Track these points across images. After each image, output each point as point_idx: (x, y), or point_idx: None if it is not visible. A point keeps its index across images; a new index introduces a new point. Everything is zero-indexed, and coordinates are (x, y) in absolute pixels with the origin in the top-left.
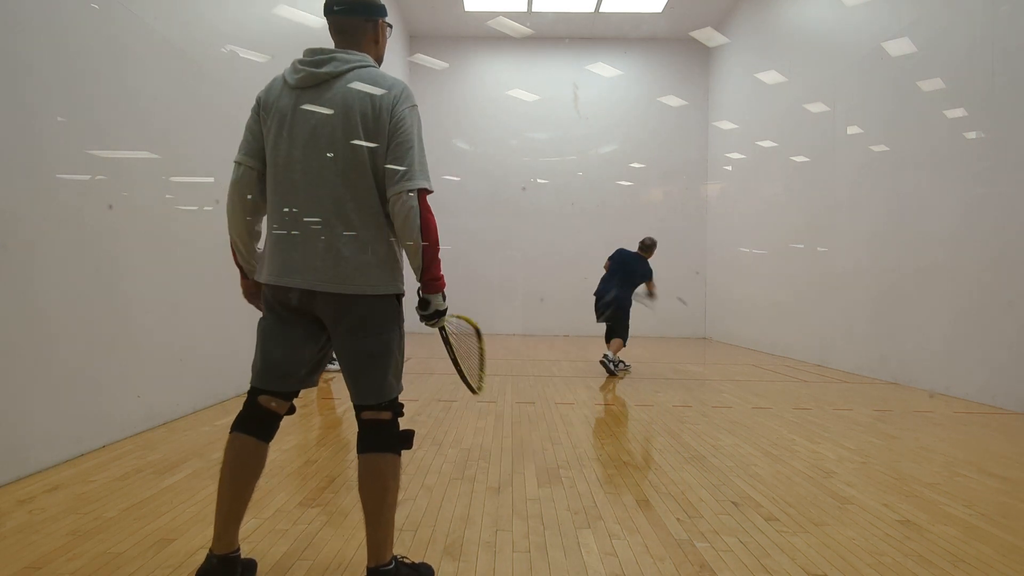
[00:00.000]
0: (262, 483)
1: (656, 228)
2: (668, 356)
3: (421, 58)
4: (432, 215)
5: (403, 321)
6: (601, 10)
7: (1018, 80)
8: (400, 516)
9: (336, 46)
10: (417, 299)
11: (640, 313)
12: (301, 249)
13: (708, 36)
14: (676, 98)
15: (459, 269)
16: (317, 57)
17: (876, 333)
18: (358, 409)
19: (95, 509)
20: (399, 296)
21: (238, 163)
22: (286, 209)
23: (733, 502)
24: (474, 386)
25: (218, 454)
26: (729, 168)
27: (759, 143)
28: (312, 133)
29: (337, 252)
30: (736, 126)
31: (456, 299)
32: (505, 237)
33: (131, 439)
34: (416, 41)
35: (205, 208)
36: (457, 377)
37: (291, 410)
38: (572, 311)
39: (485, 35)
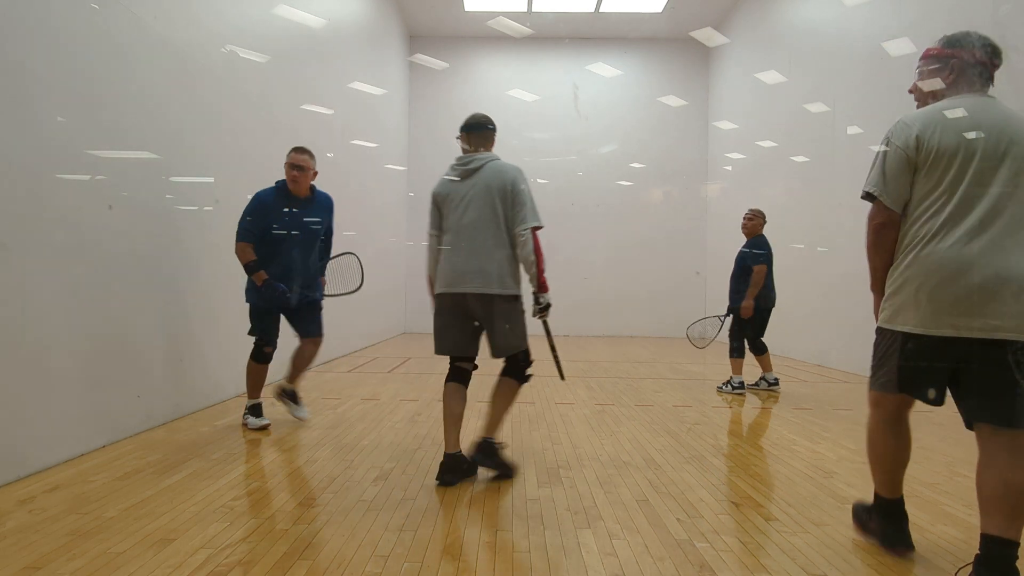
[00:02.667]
0: (262, 483)
1: (656, 228)
2: (668, 356)
3: (421, 58)
4: (539, 243)
5: (522, 308)
6: (601, 10)
7: (1018, 80)
8: (400, 516)
9: (472, 148)
10: (532, 297)
11: (641, 313)
12: (463, 269)
13: (708, 36)
14: (676, 98)
15: None
16: (466, 162)
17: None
18: (504, 356)
19: (95, 509)
20: (518, 295)
21: (432, 234)
22: (455, 254)
23: (733, 502)
24: (563, 373)
25: (218, 454)
26: (729, 168)
27: (759, 143)
28: (471, 201)
29: (482, 268)
30: (736, 126)
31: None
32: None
33: (131, 439)
34: (416, 41)
35: (205, 208)
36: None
37: (475, 367)
38: (572, 311)
39: (485, 35)
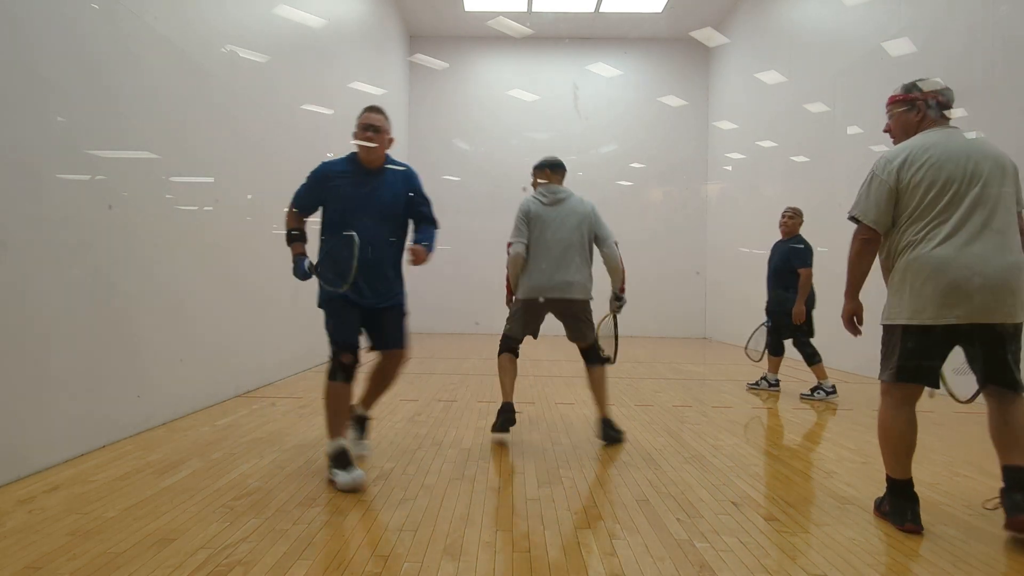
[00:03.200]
0: (262, 483)
1: (656, 228)
2: (668, 356)
3: (421, 58)
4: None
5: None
6: (601, 10)
7: (1017, 80)
8: (400, 516)
9: (554, 181)
10: (614, 296)
11: (641, 313)
12: (555, 279)
13: (708, 36)
14: (676, 98)
15: (459, 269)
16: (555, 191)
17: (876, 333)
18: (581, 348)
19: (95, 509)
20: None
21: (520, 243)
22: (544, 264)
23: (733, 502)
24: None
25: (218, 454)
26: (729, 168)
27: (759, 143)
28: (560, 224)
29: (571, 279)
30: (736, 126)
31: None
32: (505, 237)
33: (131, 439)
34: (416, 41)
35: (205, 208)
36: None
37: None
38: None
39: (485, 35)
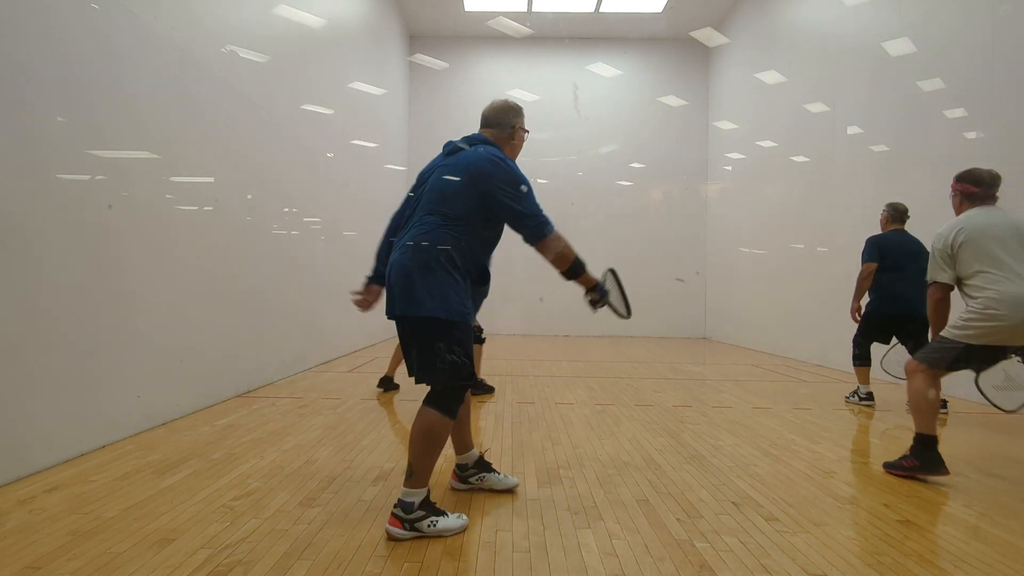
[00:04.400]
0: (262, 483)
1: (656, 228)
2: (668, 356)
3: (421, 58)
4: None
5: None
6: (601, 10)
7: (1018, 80)
8: None
9: None
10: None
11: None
12: None
13: (708, 36)
14: (676, 98)
15: None
16: None
17: None
18: None
19: (95, 509)
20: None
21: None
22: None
23: (733, 502)
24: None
25: (218, 454)
26: (729, 168)
27: (759, 143)
28: None
29: None
30: (736, 126)
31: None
32: (505, 237)
33: (131, 439)
34: (416, 41)
35: (205, 208)
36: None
37: None
38: (572, 311)
39: (485, 35)
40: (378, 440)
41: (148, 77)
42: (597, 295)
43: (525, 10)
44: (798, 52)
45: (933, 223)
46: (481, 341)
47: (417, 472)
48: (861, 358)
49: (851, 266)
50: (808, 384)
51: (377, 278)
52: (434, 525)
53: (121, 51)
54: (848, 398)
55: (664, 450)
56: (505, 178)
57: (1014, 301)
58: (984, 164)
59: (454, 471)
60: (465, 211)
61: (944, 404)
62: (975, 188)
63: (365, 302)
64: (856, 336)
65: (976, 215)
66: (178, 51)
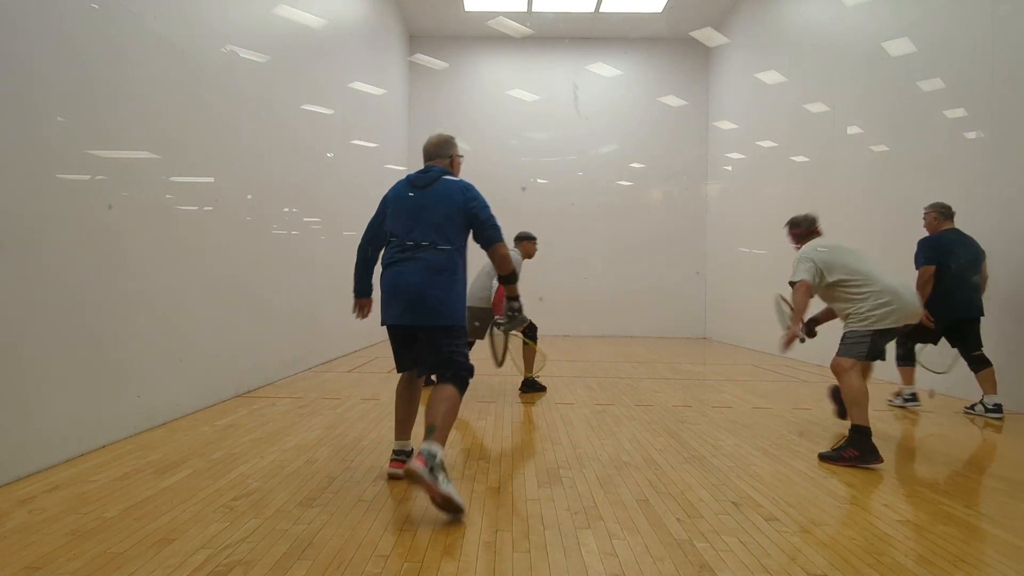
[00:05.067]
0: (262, 483)
1: (656, 228)
2: (668, 356)
3: (421, 58)
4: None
5: None
6: (601, 10)
7: (1018, 80)
8: (400, 515)
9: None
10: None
11: (641, 313)
12: None
13: (708, 36)
14: (676, 98)
15: None
16: None
17: None
18: None
19: (95, 509)
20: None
21: None
22: None
23: (733, 502)
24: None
25: (218, 454)
26: (729, 168)
27: (759, 143)
28: None
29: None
30: (736, 126)
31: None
32: (505, 237)
33: (131, 439)
34: (416, 41)
35: (205, 208)
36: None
37: None
38: (572, 311)
39: (485, 35)
40: (378, 440)
41: (148, 77)
42: (518, 304)
43: (525, 10)
44: (798, 52)
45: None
46: (533, 340)
47: (442, 432)
48: (905, 358)
49: None
50: (808, 384)
51: (366, 292)
52: (448, 484)
53: (121, 51)
54: (892, 401)
55: (664, 450)
56: (482, 199)
57: (894, 290)
58: (983, 164)
59: (396, 460)
60: (462, 237)
61: (914, 397)
62: (807, 228)
63: (363, 315)
64: (901, 337)
65: (821, 241)
66: (178, 51)
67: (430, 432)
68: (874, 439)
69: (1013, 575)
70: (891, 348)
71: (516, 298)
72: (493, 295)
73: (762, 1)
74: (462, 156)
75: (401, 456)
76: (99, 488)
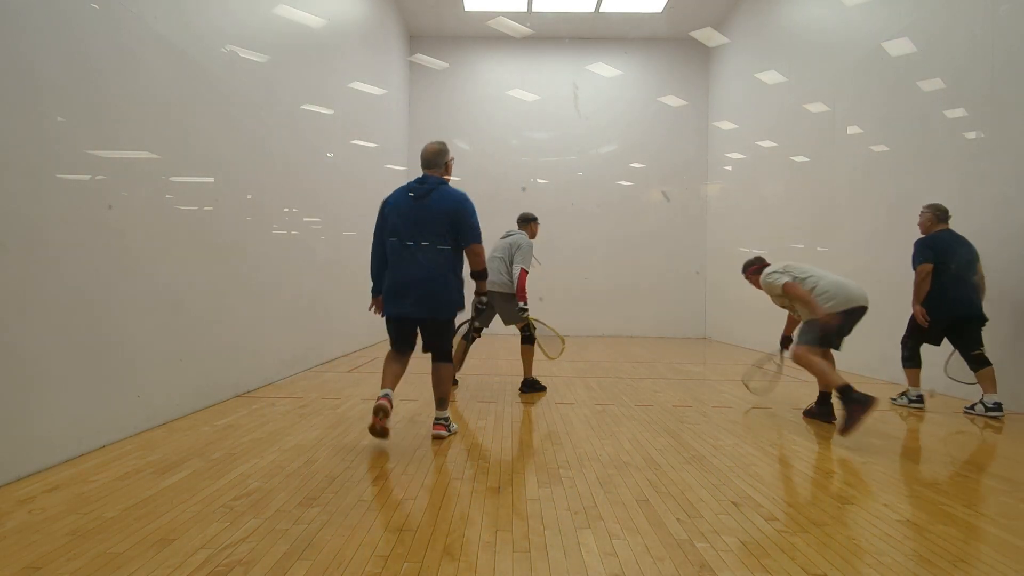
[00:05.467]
0: (262, 483)
1: (656, 228)
2: (668, 356)
3: (421, 58)
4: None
5: None
6: (601, 10)
7: (1018, 80)
8: (400, 516)
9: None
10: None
11: (641, 313)
12: None
13: (708, 36)
14: (676, 98)
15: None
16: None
17: (876, 333)
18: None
19: (95, 509)
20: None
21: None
22: None
23: (733, 502)
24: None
25: (218, 454)
26: (729, 168)
27: (759, 143)
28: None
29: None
30: (736, 126)
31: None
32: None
33: (131, 439)
34: (416, 41)
35: (205, 208)
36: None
37: None
38: (572, 311)
39: (485, 35)
40: (378, 440)
41: (148, 77)
42: (485, 299)
43: (525, 10)
44: (798, 52)
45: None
46: (531, 340)
47: (447, 400)
48: (911, 360)
49: (851, 266)
50: (808, 384)
51: (383, 290)
52: (453, 427)
53: (121, 51)
54: (895, 400)
55: (664, 450)
56: (472, 209)
57: (836, 282)
58: (983, 163)
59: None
60: (454, 241)
61: (920, 399)
62: (759, 264)
63: (380, 311)
64: (905, 338)
65: (773, 266)
66: (178, 51)
67: (441, 404)
68: (876, 439)
69: (1013, 575)
70: (891, 351)
71: (484, 294)
72: (516, 284)
73: (762, 1)
74: (453, 158)
75: (385, 394)
76: (99, 488)
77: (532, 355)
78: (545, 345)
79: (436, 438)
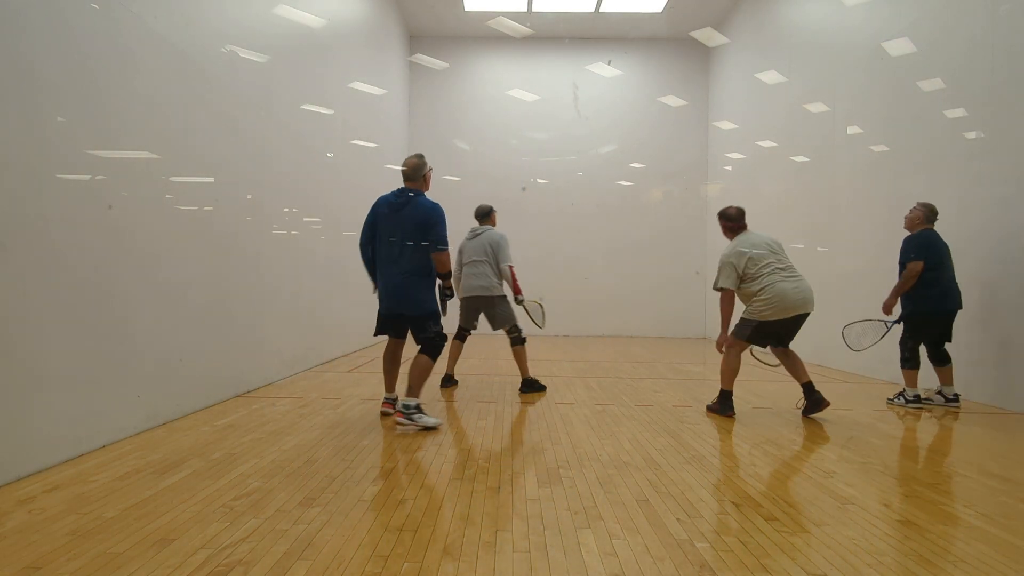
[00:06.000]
0: (262, 483)
1: (656, 228)
2: (668, 356)
3: (421, 58)
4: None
5: None
6: (601, 10)
7: (1018, 80)
8: (400, 516)
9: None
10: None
11: (641, 313)
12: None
13: (708, 36)
14: (676, 98)
15: None
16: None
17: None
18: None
19: (95, 509)
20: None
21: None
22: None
23: (733, 502)
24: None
25: (218, 454)
26: (729, 168)
27: (759, 143)
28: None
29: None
30: (736, 126)
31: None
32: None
33: (131, 439)
34: (416, 41)
35: (205, 208)
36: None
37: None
38: (572, 311)
39: (485, 35)
40: (378, 440)
41: (148, 77)
42: (449, 291)
43: (525, 10)
44: (798, 52)
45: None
46: (522, 341)
47: (415, 389)
48: (912, 361)
49: (851, 266)
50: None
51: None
52: (423, 416)
53: (121, 51)
54: (893, 400)
55: (664, 450)
56: (441, 218)
57: (780, 295)
58: (983, 163)
59: (387, 402)
60: (428, 247)
61: (917, 399)
62: (732, 222)
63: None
64: (905, 339)
65: (745, 239)
66: (178, 51)
67: (409, 390)
68: (876, 439)
69: (1013, 575)
70: (891, 352)
71: (448, 287)
72: (510, 282)
73: (762, 1)
74: (431, 169)
75: (390, 399)
76: (99, 488)
77: (524, 355)
78: (534, 315)
79: (397, 423)
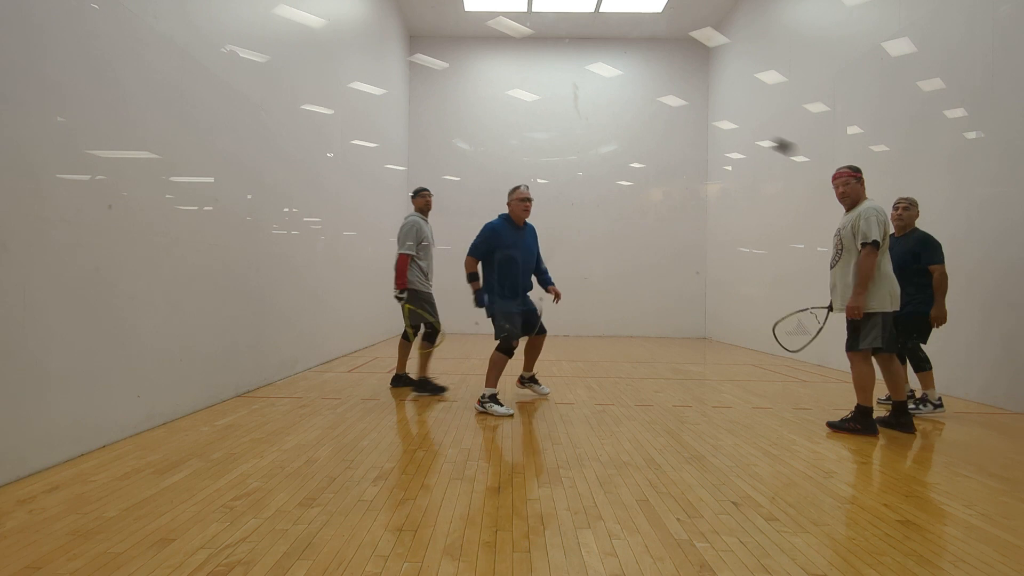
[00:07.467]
0: (262, 483)
1: (656, 228)
2: (668, 356)
3: (421, 58)
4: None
5: None
6: (601, 10)
7: (1018, 80)
8: (400, 516)
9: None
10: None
11: (641, 313)
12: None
13: (708, 36)
14: (676, 98)
15: (459, 269)
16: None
17: None
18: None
19: (95, 509)
20: None
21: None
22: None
23: (733, 502)
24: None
25: (218, 454)
26: (729, 168)
27: (759, 143)
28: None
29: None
30: (736, 126)
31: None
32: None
33: (131, 439)
34: (416, 41)
35: (205, 208)
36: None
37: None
38: (572, 311)
39: (485, 35)
40: (378, 440)
41: (148, 77)
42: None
43: (525, 10)
44: (798, 52)
45: (935, 223)
46: (406, 338)
47: (489, 380)
48: (927, 362)
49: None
50: (808, 384)
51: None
52: (491, 405)
53: (121, 51)
54: (916, 409)
55: (664, 450)
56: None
57: (891, 280)
58: (984, 164)
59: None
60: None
61: (922, 401)
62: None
63: None
64: (914, 343)
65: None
66: (178, 51)
67: (486, 381)
68: (873, 438)
69: (1013, 575)
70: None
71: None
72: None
73: (762, 1)
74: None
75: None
76: (99, 488)
77: (409, 351)
78: (421, 338)
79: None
